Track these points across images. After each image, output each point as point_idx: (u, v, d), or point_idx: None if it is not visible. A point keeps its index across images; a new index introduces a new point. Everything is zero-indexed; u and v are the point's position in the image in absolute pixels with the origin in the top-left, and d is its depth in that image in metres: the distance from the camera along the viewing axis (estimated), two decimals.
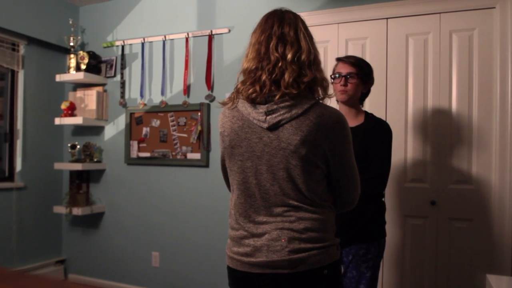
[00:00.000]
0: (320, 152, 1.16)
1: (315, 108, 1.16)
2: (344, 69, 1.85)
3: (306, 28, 1.24)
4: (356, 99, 1.89)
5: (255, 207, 1.20)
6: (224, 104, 1.28)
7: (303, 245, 1.14)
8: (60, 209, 3.48)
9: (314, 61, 1.20)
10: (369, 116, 1.90)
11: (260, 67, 1.18)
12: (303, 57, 1.17)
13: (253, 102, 1.17)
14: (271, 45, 1.18)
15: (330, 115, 1.16)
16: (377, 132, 1.84)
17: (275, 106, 1.14)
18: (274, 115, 1.14)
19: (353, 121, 1.86)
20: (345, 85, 1.83)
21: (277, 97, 1.14)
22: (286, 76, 1.14)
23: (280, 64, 1.16)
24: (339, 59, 1.93)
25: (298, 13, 1.29)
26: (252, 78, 1.18)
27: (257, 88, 1.16)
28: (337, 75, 1.86)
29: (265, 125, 1.15)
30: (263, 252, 1.16)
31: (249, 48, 1.24)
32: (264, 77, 1.16)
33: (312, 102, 1.16)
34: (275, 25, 1.20)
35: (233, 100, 1.24)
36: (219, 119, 1.29)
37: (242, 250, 1.21)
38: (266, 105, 1.15)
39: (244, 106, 1.19)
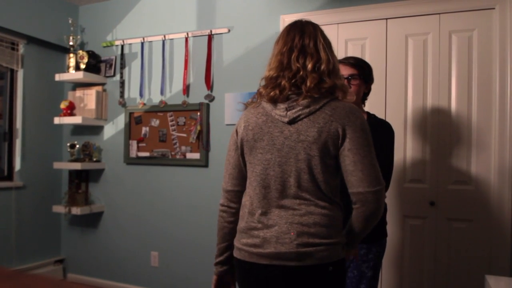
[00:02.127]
0: (336, 142, 1.21)
1: (330, 103, 1.25)
2: (346, 71, 1.85)
3: (325, 38, 1.32)
4: (358, 100, 1.89)
5: (268, 198, 1.26)
6: (248, 104, 1.38)
7: (311, 240, 1.19)
8: (59, 209, 3.48)
9: (333, 70, 1.28)
10: (371, 117, 1.90)
11: (281, 75, 1.27)
12: (322, 67, 1.25)
13: (275, 102, 1.27)
14: (292, 57, 1.27)
15: (343, 107, 1.24)
16: (379, 133, 1.84)
17: (295, 103, 1.24)
18: (294, 111, 1.23)
19: None
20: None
21: (300, 100, 1.23)
22: (308, 82, 1.23)
23: (301, 73, 1.25)
24: (338, 61, 1.93)
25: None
26: (273, 84, 1.28)
27: (277, 91, 1.26)
28: None
29: (286, 120, 1.24)
30: (272, 243, 1.20)
31: (272, 57, 1.33)
32: (283, 82, 1.25)
33: (328, 99, 1.25)
34: (296, 38, 1.29)
35: (257, 100, 1.35)
36: (241, 116, 1.37)
37: (251, 241, 1.25)
38: (287, 102, 1.25)
39: (267, 104, 1.29)
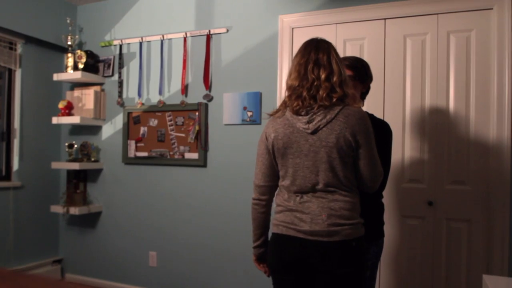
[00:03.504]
0: (350, 145, 1.48)
1: (342, 111, 1.50)
2: None
3: (337, 54, 1.57)
4: None
5: (302, 192, 1.55)
6: (273, 114, 1.64)
7: (338, 221, 1.48)
8: (57, 209, 3.48)
9: (344, 81, 1.53)
10: (369, 117, 1.90)
11: (301, 85, 1.52)
12: (334, 78, 1.50)
13: (297, 113, 1.52)
14: (308, 68, 1.52)
15: (354, 115, 1.50)
16: (376, 133, 1.84)
17: (314, 116, 1.50)
18: (314, 123, 1.50)
19: None
20: None
21: (315, 109, 1.49)
22: (321, 92, 1.49)
23: (315, 83, 1.50)
24: None
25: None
26: (296, 94, 1.53)
27: (300, 102, 1.51)
28: None
29: (309, 131, 1.50)
30: (307, 223, 1.50)
31: (292, 68, 1.58)
32: (304, 93, 1.51)
33: (340, 107, 1.50)
34: (312, 52, 1.54)
35: (282, 110, 1.60)
36: (268, 125, 1.62)
37: (289, 219, 1.54)
38: (307, 116, 1.50)
39: (292, 117, 1.55)
